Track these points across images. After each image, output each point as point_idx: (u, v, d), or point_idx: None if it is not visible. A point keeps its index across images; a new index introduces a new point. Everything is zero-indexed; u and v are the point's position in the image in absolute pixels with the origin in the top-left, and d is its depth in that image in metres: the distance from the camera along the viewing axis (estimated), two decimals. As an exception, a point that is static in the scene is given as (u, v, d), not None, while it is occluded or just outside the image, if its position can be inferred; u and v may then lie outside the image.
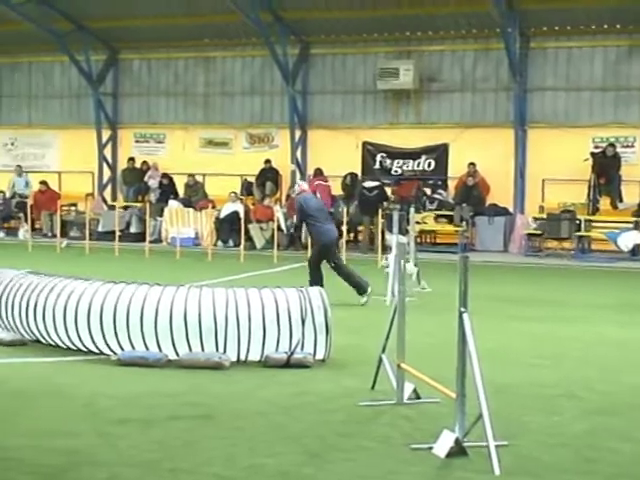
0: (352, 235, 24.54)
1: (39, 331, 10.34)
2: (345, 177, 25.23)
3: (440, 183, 25.72)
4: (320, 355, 9.82)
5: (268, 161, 26.55)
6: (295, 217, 15.24)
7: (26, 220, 25.92)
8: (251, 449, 6.82)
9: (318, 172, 25.31)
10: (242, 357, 9.77)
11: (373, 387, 8.63)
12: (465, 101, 25.49)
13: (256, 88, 27.33)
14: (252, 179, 26.76)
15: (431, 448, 6.72)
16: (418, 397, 8.17)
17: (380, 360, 8.60)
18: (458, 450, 6.61)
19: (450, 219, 24.53)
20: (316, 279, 14.02)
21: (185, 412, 7.86)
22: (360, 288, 14.44)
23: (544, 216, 23.82)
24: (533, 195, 24.55)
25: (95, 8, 26.17)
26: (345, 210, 22.51)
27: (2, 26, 27.01)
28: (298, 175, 26.59)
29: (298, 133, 26.77)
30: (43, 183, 27.62)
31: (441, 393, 7.36)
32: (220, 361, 9.52)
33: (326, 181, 25.07)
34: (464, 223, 23.89)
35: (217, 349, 9.67)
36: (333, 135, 26.43)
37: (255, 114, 27.36)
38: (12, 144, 30.03)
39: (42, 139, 29.62)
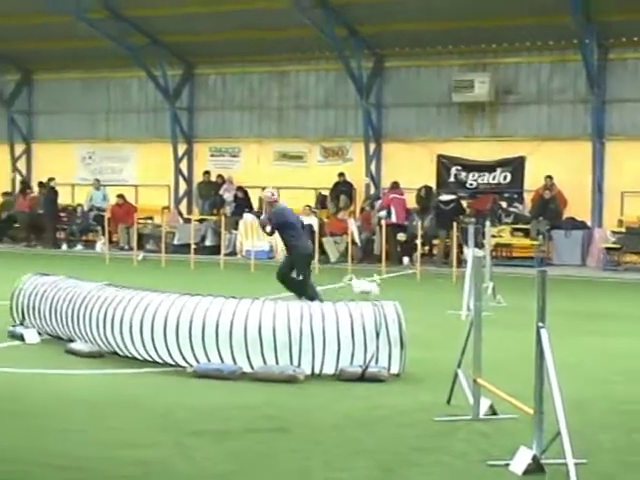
0: (427, 248, 24.42)
1: (116, 343, 10.47)
2: (419, 190, 25.14)
3: (516, 196, 25.48)
4: (395, 369, 9.78)
5: (342, 174, 26.57)
6: (268, 225, 15.08)
7: (103, 233, 26.27)
8: (326, 463, 6.80)
9: (394, 185, 25.23)
10: (316, 370, 9.77)
11: (449, 402, 8.57)
12: (541, 113, 25.24)
13: (330, 101, 27.41)
14: (326, 192, 26.81)
15: (508, 465, 6.64)
16: (494, 413, 8.09)
17: (456, 375, 8.53)
18: (535, 467, 6.52)
19: (526, 233, 24.29)
20: (312, 291, 14.36)
21: (260, 425, 7.88)
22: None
23: (623, 230, 23.44)
24: (611, 208, 24.20)
25: (171, 23, 26.49)
26: (420, 223, 22.41)
27: (81, 42, 27.46)
28: (372, 189, 26.59)
29: (372, 146, 26.76)
30: (120, 196, 28.00)
31: (518, 409, 7.28)
32: (294, 374, 9.54)
33: (401, 194, 25.00)
34: (540, 237, 23.63)
35: (291, 362, 9.69)
36: (407, 148, 26.37)
37: (329, 127, 27.42)
38: (90, 158, 30.51)
39: (120, 153, 30.05)
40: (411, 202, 25.19)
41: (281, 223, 14.72)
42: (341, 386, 9.45)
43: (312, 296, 14.15)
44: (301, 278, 14.57)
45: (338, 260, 23.66)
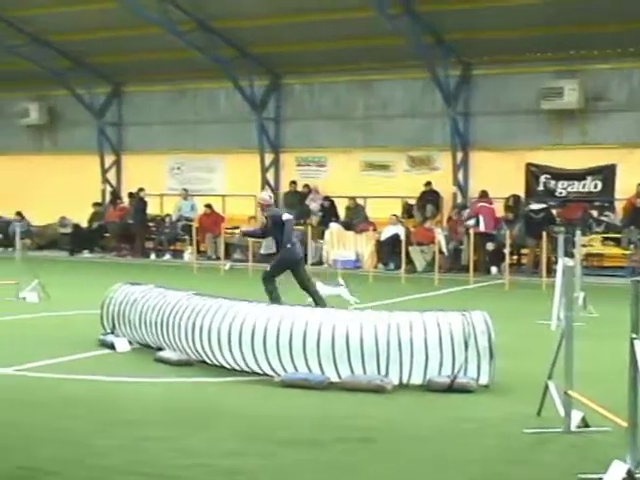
0: (515, 258, 24.16)
1: (204, 351, 10.57)
2: (508, 199, 24.88)
3: (607, 205, 25.03)
4: (483, 380, 9.69)
5: (429, 183, 26.45)
6: (258, 228, 15.83)
7: (191, 243, 26.56)
8: (414, 475, 6.77)
9: (483, 194, 25.00)
10: (404, 380, 9.74)
11: (539, 414, 8.45)
12: (632, 120, 24.77)
13: (417, 110, 27.30)
14: (413, 201, 26.72)
15: (601, 479, 6.51)
16: (587, 425, 7.95)
17: (546, 386, 8.42)
18: (630, 482, 6.38)
19: (618, 242, 23.85)
20: (272, 287, 14.59)
21: (347, 435, 7.88)
22: None
23: None
24: None
25: (259, 35, 26.69)
26: (508, 232, 22.18)
27: (170, 54, 27.86)
28: (460, 198, 26.41)
29: (459, 155, 26.58)
30: (208, 206, 28.28)
31: (611, 422, 7.14)
32: (382, 384, 9.52)
33: (490, 203, 24.77)
34: (632, 246, 23.18)
35: (379, 372, 9.67)
36: (495, 157, 26.12)
37: (416, 136, 27.30)
38: (178, 168, 30.91)
39: (207, 163, 30.38)
40: (500, 211, 24.95)
41: (276, 228, 14.85)
42: (429, 397, 9.40)
43: (271, 291, 14.57)
44: (270, 271, 14.77)
45: (425, 270, 23.53)
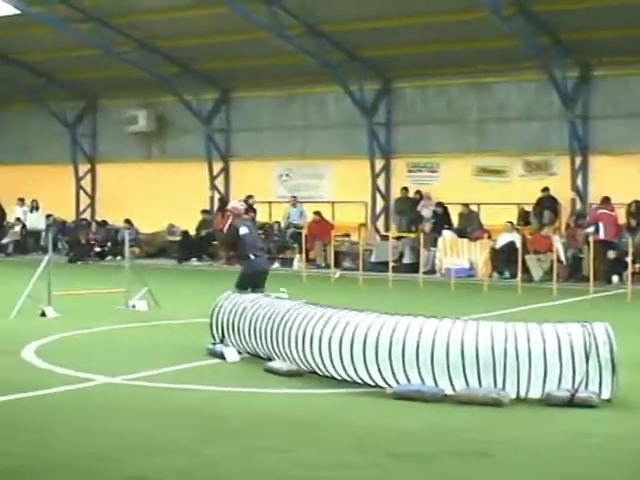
0: (638, 266, 23.62)
1: (315, 362, 10.63)
2: (630, 205, 24.40)
3: None
4: (606, 394, 9.51)
5: (546, 189, 26.10)
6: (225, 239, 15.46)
7: (300, 250, 26.76)
8: (532, 491, 6.70)
9: (605, 200, 24.54)
10: (522, 394, 9.63)
11: (665, 431, 8.27)
12: None
13: (533, 113, 26.99)
14: (529, 208, 26.40)
15: None
16: None
17: (673, 402, 8.23)
18: None
19: None
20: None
21: (462, 448, 7.84)
22: None
23: None
24: None
25: (369, 38, 26.74)
26: (630, 240, 21.73)
27: (278, 59, 28.12)
28: (579, 204, 25.99)
29: (578, 159, 26.17)
30: (317, 213, 28.44)
31: None
32: (499, 397, 9.43)
33: (612, 210, 24.29)
34: None
35: (495, 385, 9.58)
36: (616, 161, 25.64)
37: (532, 140, 26.98)
38: (287, 175, 31.15)
39: (316, 170, 30.54)
40: (621, 218, 24.47)
41: (232, 239, 14.74)
42: (547, 411, 9.28)
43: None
44: (235, 288, 14.26)
45: (542, 279, 23.21)
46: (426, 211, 27.60)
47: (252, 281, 14.36)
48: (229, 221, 15.23)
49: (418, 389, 9.72)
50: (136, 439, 8.19)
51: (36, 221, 33.54)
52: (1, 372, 11.23)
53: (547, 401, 9.48)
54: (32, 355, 12.35)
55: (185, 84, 30.71)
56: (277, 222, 29.69)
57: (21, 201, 34.05)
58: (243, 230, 14.57)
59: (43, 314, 16.19)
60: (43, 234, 32.36)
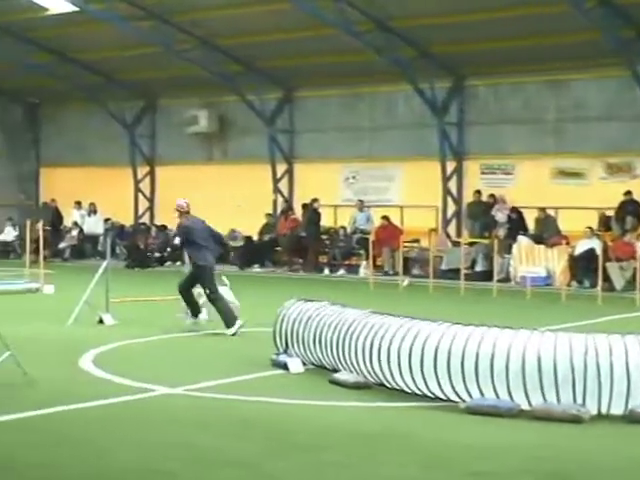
0: None
1: (383, 374, 10.62)
2: None
3: None
4: (693, 411, 9.36)
5: (629, 192, 25.78)
6: (177, 239, 16.44)
7: (367, 257, 26.74)
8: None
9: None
10: (603, 410, 9.52)
11: None
12: None
13: (614, 112, 26.66)
14: (611, 213, 26.10)
15: None
16: None
17: None
18: None
19: None
20: (194, 307, 15.80)
21: (537, 466, 7.80)
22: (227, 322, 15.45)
23: None
24: None
25: (440, 33, 26.63)
26: None
27: (345, 56, 28.15)
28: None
29: (664, 161, 25.87)
30: (385, 218, 28.40)
31: None
32: (578, 414, 9.34)
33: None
34: None
35: (575, 400, 9.48)
36: None
37: (613, 141, 26.67)
38: (353, 177, 31.17)
39: (384, 172, 30.51)
40: None
41: (188, 238, 15.88)
42: (631, 429, 9.17)
43: (220, 308, 15.54)
44: (210, 292, 15.63)
45: (625, 288, 22.93)
46: (500, 215, 27.42)
47: (204, 275, 15.73)
48: (179, 220, 16.36)
49: (493, 404, 9.66)
50: (200, 452, 8.26)
51: (94, 225, 33.98)
52: (58, 382, 11.38)
53: (630, 418, 9.36)
54: (90, 364, 12.51)
55: (247, 83, 30.90)
56: (343, 227, 29.71)
57: (78, 204, 34.52)
58: (195, 224, 16.05)
59: (101, 321, 16.40)
60: (101, 239, 32.75)
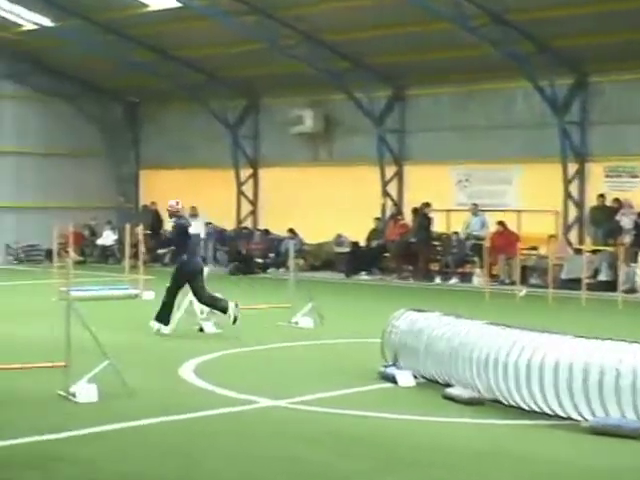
0: None
1: (499, 390, 10.54)
2: None
3: None
4: None
5: None
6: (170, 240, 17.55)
7: (481, 265, 26.57)
8: None
9: None
10: None
11: None
12: None
13: None
14: None
15: None
16: None
17: None
18: None
19: None
20: (168, 309, 16.39)
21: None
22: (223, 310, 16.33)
23: None
24: None
25: (561, 27, 26.29)
26: None
27: (458, 52, 27.99)
28: None
29: None
30: (501, 223, 28.18)
31: None
32: None
33: None
34: None
35: None
36: None
37: None
38: (467, 180, 30.98)
39: (500, 174, 30.24)
40: None
41: (179, 238, 16.97)
42: None
43: (211, 303, 16.46)
44: (200, 295, 16.49)
45: None
46: (626, 221, 26.99)
47: (188, 279, 16.47)
48: (173, 220, 17.37)
49: (617, 423, 9.51)
50: (306, 466, 8.35)
51: (194, 229, 34.28)
52: (159, 392, 11.58)
53: None
54: (190, 374, 12.70)
55: (355, 81, 30.92)
56: (456, 232, 29.57)
57: (178, 208, 34.91)
58: (194, 229, 17.31)
59: (201, 330, 16.61)
60: (202, 243, 33.10)
